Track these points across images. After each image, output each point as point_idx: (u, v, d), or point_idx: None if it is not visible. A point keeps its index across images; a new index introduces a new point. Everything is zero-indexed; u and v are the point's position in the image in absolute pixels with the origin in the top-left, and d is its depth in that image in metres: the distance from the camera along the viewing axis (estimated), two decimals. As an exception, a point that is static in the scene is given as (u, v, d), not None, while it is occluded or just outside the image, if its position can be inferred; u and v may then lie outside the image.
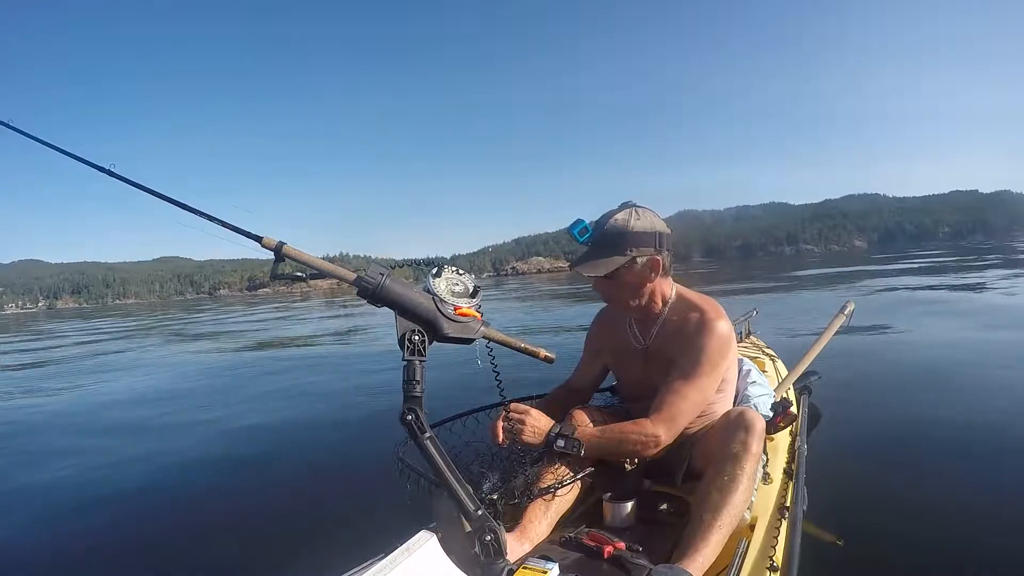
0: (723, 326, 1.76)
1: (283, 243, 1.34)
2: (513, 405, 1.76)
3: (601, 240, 1.77)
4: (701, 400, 1.76)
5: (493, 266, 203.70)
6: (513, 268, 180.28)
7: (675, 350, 1.78)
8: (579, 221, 1.79)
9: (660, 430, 1.67)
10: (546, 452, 1.75)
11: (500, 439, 1.73)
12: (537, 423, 1.72)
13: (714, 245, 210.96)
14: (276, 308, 32.92)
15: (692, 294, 1.89)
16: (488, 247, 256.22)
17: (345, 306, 27.24)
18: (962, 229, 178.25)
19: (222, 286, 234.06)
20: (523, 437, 1.70)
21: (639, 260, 1.75)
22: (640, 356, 1.91)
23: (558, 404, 1.98)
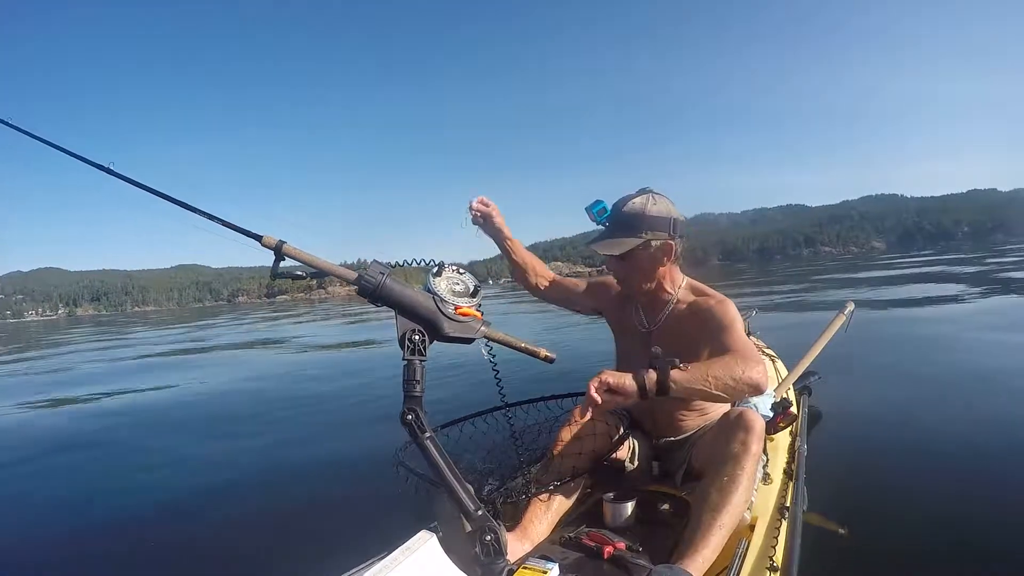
0: (732, 309, 1.77)
1: (283, 242, 1.31)
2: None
3: (618, 221, 1.79)
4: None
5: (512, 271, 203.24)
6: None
7: (685, 336, 1.78)
8: (598, 201, 1.82)
9: (751, 366, 1.45)
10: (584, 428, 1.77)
11: (597, 401, 1.36)
12: (617, 375, 1.39)
13: (731, 248, 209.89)
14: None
15: (699, 284, 1.92)
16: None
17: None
18: (982, 228, 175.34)
19: (240, 293, 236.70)
20: (614, 383, 1.37)
21: (653, 244, 1.77)
22: (643, 338, 1.92)
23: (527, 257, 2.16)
